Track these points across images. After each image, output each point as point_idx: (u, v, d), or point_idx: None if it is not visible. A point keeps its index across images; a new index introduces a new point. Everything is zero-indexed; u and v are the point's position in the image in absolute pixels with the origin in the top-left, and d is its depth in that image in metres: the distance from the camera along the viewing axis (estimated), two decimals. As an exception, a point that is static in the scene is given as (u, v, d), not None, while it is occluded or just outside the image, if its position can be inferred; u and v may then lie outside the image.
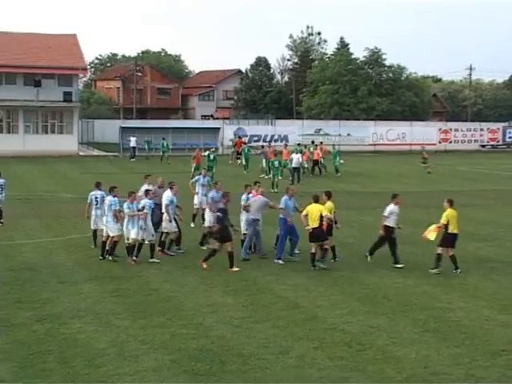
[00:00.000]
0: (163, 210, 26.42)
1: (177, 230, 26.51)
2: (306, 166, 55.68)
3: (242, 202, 26.55)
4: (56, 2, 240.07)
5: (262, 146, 57.83)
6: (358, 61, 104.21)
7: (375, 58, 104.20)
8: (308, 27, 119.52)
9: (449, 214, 24.18)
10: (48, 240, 28.74)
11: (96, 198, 26.85)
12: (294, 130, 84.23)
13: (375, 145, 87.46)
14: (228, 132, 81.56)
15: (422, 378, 14.75)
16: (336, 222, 25.35)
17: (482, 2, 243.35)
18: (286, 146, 60.95)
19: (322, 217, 23.90)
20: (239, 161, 64.36)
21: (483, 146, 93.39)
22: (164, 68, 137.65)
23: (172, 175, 50.76)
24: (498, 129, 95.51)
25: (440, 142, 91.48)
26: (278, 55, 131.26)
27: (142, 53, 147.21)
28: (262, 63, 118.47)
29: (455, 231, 24.15)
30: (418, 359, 15.79)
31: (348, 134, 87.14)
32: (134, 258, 24.48)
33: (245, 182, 29.41)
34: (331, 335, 17.37)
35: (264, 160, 56.46)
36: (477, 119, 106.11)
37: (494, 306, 20.08)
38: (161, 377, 14.56)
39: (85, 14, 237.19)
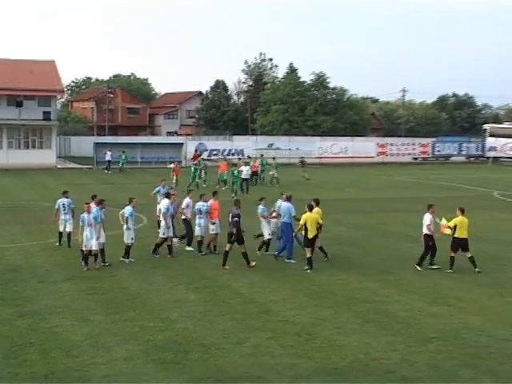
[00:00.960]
0: (160, 218, 26.36)
1: (165, 236, 26.12)
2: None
3: (196, 207, 26.62)
4: (38, 33, 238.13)
5: (206, 165, 57.50)
6: (305, 84, 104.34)
7: (320, 81, 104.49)
8: (261, 54, 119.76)
9: (457, 220, 24.05)
10: (29, 244, 28.44)
11: (63, 204, 27.56)
12: (249, 145, 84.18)
13: (321, 157, 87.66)
14: (190, 147, 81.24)
15: (363, 362, 14.85)
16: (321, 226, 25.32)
17: (412, 33, 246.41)
18: (224, 158, 61.21)
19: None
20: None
21: (415, 159, 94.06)
22: (133, 90, 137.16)
23: (141, 186, 50.69)
24: (428, 143, 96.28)
25: (378, 155, 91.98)
26: (235, 78, 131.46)
27: (114, 76, 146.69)
28: (220, 86, 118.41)
29: (462, 236, 23.94)
30: (360, 346, 15.88)
31: (297, 148, 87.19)
32: (88, 266, 23.58)
33: (206, 191, 29.46)
34: (283, 326, 17.40)
35: (204, 172, 56.28)
36: (409, 135, 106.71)
37: (426, 299, 20.24)
38: (131, 365, 14.52)
39: (63, 42, 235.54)
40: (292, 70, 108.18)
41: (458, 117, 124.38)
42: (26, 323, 17.43)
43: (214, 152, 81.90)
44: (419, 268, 24.16)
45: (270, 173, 57.26)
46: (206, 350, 15.54)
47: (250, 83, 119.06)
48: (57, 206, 27.72)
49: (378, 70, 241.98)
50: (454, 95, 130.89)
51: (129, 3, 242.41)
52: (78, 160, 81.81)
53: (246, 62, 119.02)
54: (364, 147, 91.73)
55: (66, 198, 27.98)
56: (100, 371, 14.17)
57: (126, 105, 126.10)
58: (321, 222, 24.82)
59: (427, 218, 24.49)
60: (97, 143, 78.68)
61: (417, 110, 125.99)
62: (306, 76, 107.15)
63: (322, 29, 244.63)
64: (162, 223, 25.95)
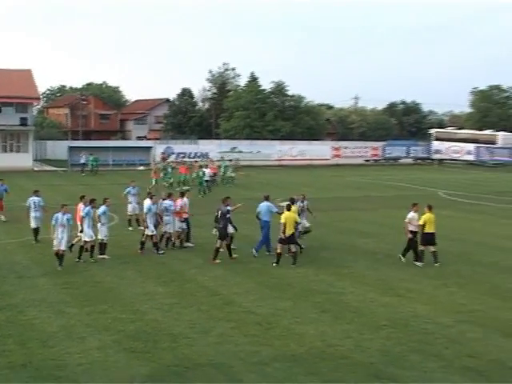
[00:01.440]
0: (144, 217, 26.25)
1: (155, 233, 26.03)
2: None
3: (163, 206, 26.54)
4: (16, 44, 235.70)
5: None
6: (265, 91, 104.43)
7: (279, 89, 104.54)
8: (224, 64, 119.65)
9: (425, 217, 24.12)
10: (7, 242, 28.13)
11: (34, 202, 28.33)
12: (213, 148, 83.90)
13: (280, 160, 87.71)
14: (158, 150, 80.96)
15: (319, 349, 14.94)
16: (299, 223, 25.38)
17: (364, 45, 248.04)
18: (184, 162, 61.18)
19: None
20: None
21: (367, 161, 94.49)
22: (105, 97, 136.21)
23: (113, 186, 50.35)
24: (379, 147, 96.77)
25: (333, 158, 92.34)
26: (200, 86, 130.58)
27: (87, 85, 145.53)
28: (186, 93, 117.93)
29: (430, 231, 24.03)
30: (316, 334, 15.96)
31: (258, 151, 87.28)
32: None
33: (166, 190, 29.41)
34: (245, 317, 17.43)
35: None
36: (362, 139, 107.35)
37: (378, 290, 20.39)
38: (104, 354, 14.48)
39: (39, 52, 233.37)
40: (253, 79, 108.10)
41: (406, 122, 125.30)
42: (5, 316, 17.27)
43: (181, 155, 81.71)
44: (419, 264, 24.06)
45: (231, 174, 57.71)
46: (174, 339, 15.54)
47: (214, 91, 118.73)
48: (28, 204, 28.38)
49: (333, 79, 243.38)
50: (403, 102, 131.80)
51: (101, 17, 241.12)
52: (53, 163, 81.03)
53: (210, 71, 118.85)
54: (320, 150, 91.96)
55: (37, 196, 28.64)
56: (75, 360, 14.11)
57: (98, 111, 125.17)
58: (298, 220, 24.83)
59: (412, 215, 24.55)
60: (71, 147, 77.98)
61: (368, 115, 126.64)
62: (266, 84, 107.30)
63: (281, 40, 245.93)
64: (147, 222, 25.85)
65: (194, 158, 78.43)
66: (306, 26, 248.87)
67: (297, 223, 24.52)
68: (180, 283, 21.11)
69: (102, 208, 24.86)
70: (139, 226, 30.80)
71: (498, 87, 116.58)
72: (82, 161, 70.70)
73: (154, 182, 49.46)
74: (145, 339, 15.47)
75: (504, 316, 17.87)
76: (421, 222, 24.08)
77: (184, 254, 25.73)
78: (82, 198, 25.78)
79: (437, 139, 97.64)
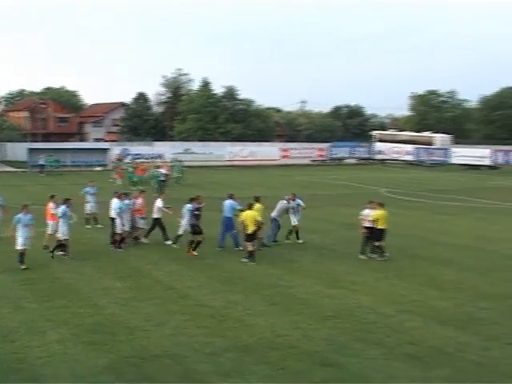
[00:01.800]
0: (113, 215, 25.91)
1: (128, 230, 26.04)
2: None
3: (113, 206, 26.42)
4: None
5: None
6: (217, 95, 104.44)
7: (230, 93, 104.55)
8: (178, 69, 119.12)
9: (377, 213, 24.14)
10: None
11: None
12: (168, 150, 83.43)
13: (231, 160, 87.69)
14: (115, 152, 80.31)
15: (269, 340, 15.03)
16: (262, 223, 25.10)
17: (310, 52, 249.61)
18: (141, 163, 60.94)
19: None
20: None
21: (314, 161, 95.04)
22: (64, 101, 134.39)
23: (71, 186, 49.76)
24: (325, 148, 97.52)
25: (282, 158, 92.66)
26: (155, 91, 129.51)
27: (46, 89, 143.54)
28: (141, 97, 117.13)
29: (382, 227, 24.08)
30: (266, 325, 16.04)
31: (210, 152, 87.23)
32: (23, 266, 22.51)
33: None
34: (199, 310, 17.44)
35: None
36: (309, 140, 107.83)
37: (324, 283, 20.54)
38: (63, 347, 14.39)
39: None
40: (205, 84, 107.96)
41: (350, 125, 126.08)
42: (-34, 312, 17.00)
43: (137, 156, 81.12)
44: (362, 256, 24.34)
45: (179, 175, 57.75)
46: (131, 331, 15.48)
47: (169, 95, 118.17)
48: None
49: (281, 84, 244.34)
50: (347, 106, 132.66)
51: (59, 22, 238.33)
52: (13, 164, 79.85)
53: (164, 76, 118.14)
54: (269, 151, 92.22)
55: None
56: (35, 353, 13.99)
57: (57, 114, 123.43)
58: (259, 219, 24.44)
59: (367, 212, 24.60)
60: (30, 149, 77.01)
61: (315, 118, 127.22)
62: (217, 89, 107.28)
63: (231, 47, 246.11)
64: (118, 221, 25.59)
65: (148, 159, 78.01)
66: (254, 33, 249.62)
67: (258, 221, 24.34)
68: (136, 278, 21.01)
69: (63, 208, 24.58)
70: (97, 224, 30.60)
71: (434, 92, 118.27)
72: (41, 162, 69.88)
73: (119, 183, 49.13)
74: (103, 332, 15.39)
75: (440, 305, 18.20)
76: (372, 218, 24.28)
77: (141, 250, 25.59)
78: (51, 197, 25.68)
79: (379, 141, 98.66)
